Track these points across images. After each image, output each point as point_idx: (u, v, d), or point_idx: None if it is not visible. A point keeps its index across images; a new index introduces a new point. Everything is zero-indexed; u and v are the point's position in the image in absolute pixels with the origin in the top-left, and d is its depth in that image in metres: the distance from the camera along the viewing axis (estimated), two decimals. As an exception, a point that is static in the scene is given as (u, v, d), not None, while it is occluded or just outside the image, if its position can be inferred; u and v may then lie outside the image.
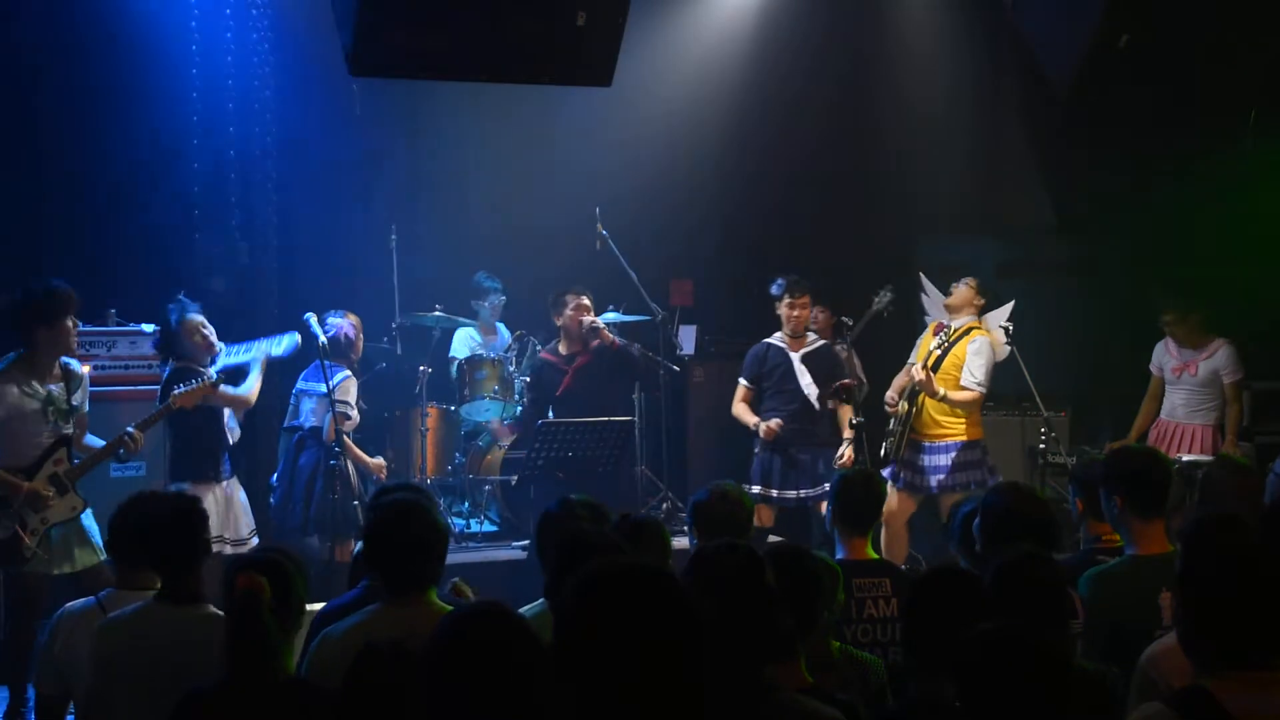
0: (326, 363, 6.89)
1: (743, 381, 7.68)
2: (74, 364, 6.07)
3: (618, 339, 7.74)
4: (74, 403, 5.96)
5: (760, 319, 7.97)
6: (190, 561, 3.81)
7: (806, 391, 7.49)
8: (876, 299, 8.45)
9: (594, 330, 7.63)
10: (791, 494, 7.43)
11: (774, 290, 7.59)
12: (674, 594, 2.14)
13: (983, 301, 7.54)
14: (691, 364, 9.19)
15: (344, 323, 7.21)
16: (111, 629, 3.78)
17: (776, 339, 7.66)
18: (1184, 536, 3.64)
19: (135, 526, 4.07)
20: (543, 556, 3.94)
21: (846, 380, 7.57)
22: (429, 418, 8.40)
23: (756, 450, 7.59)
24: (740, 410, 7.64)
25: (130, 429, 6.04)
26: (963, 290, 7.53)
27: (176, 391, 6.22)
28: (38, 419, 5.84)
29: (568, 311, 7.67)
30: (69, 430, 5.94)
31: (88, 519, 5.96)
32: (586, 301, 7.72)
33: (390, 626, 3.36)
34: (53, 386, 5.91)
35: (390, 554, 3.58)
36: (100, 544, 5.87)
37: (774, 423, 7.38)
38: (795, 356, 7.57)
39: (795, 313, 7.50)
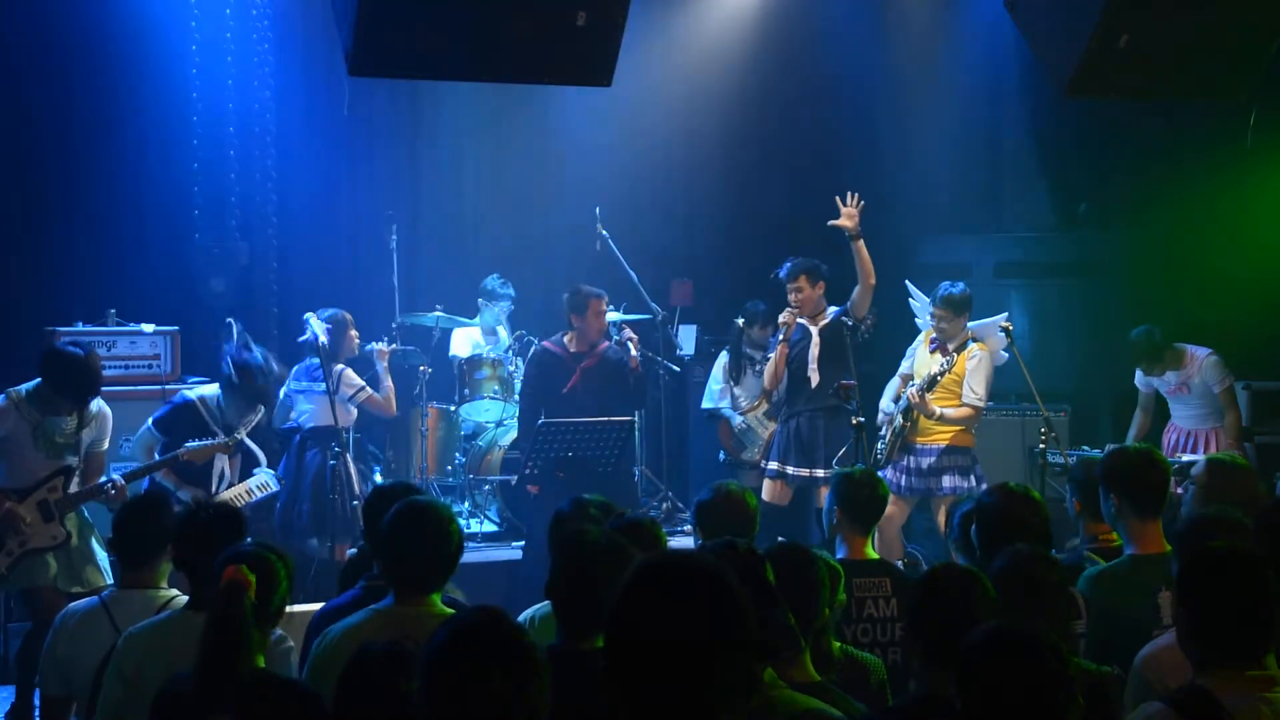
0: (323, 362, 6.93)
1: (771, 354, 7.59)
2: (94, 403, 6.00)
3: (639, 363, 7.65)
4: (82, 437, 5.92)
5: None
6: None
7: (814, 369, 7.40)
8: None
9: (624, 346, 7.57)
10: (804, 472, 7.38)
11: (781, 273, 7.49)
12: (719, 587, 2.13)
13: (961, 316, 7.46)
14: (691, 364, 9.18)
15: (321, 326, 7.17)
16: (136, 638, 3.73)
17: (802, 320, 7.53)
18: (1181, 537, 3.66)
19: (159, 529, 4.10)
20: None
21: (847, 382, 7.56)
22: (429, 418, 8.40)
23: (779, 424, 7.58)
24: (768, 369, 7.55)
25: (117, 477, 5.97)
26: (939, 324, 7.44)
27: (191, 446, 6.22)
28: (29, 445, 5.83)
29: (590, 315, 7.55)
30: (72, 462, 5.91)
31: (95, 543, 5.96)
32: (605, 308, 7.63)
33: (391, 627, 3.36)
34: (60, 419, 5.89)
35: (404, 555, 3.56)
36: (107, 568, 5.88)
37: (787, 314, 7.38)
38: (814, 330, 7.48)
39: (791, 297, 7.43)
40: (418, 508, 3.65)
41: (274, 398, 6.63)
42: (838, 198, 7.29)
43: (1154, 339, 7.77)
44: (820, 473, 7.35)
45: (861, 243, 7.24)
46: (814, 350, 7.41)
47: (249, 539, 3.94)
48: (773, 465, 7.44)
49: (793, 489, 7.40)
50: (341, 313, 7.31)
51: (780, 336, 7.45)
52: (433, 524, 3.58)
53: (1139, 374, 8.01)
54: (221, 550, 3.72)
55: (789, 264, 7.50)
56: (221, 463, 6.53)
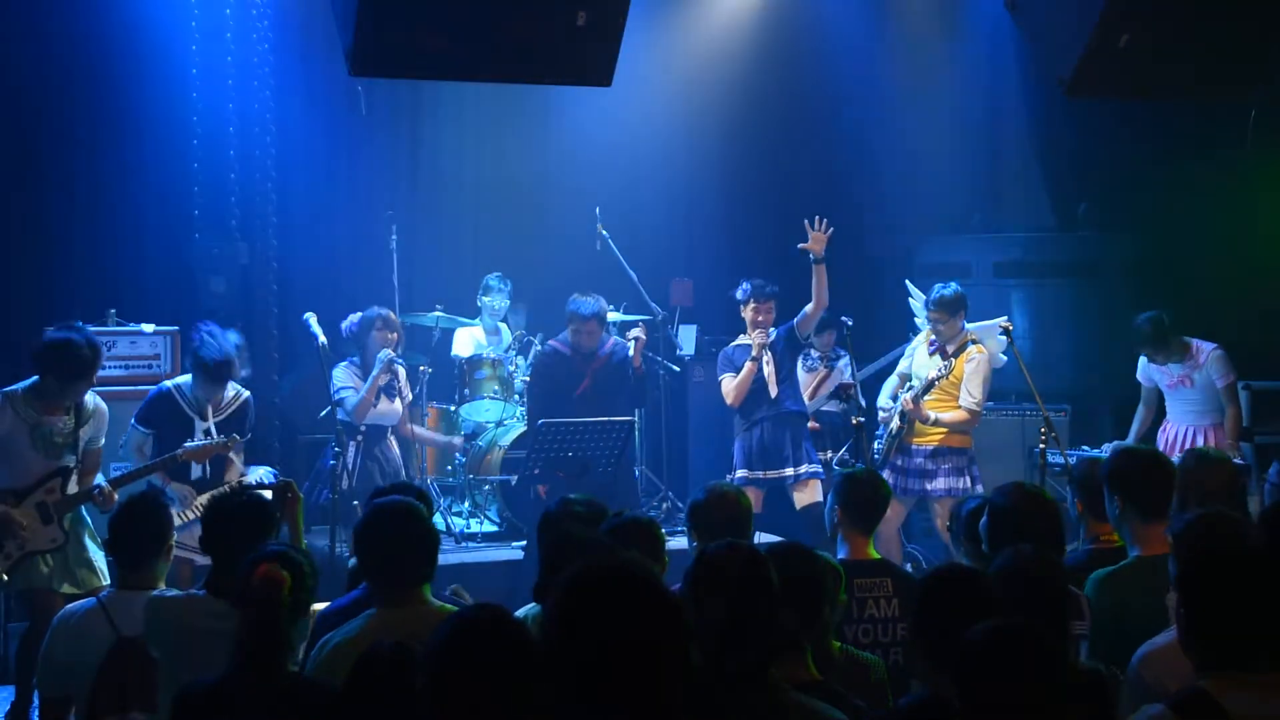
0: (322, 362, 7.08)
1: (728, 375, 7.70)
2: (90, 400, 6.01)
3: (641, 363, 7.73)
4: (80, 435, 5.92)
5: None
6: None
7: (773, 382, 7.57)
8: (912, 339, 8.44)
9: (627, 344, 7.64)
10: (774, 474, 7.54)
11: (740, 295, 7.61)
12: (655, 594, 2.15)
13: (955, 317, 7.48)
14: (691, 364, 9.19)
15: (354, 318, 7.58)
16: (161, 604, 3.85)
17: (742, 340, 7.72)
18: (1179, 537, 3.65)
19: (154, 530, 4.18)
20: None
21: (847, 382, 7.60)
22: (429, 418, 8.39)
23: (737, 435, 7.68)
24: (731, 384, 7.65)
25: (105, 484, 5.98)
26: (935, 326, 7.49)
27: (189, 445, 6.26)
28: (25, 446, 5.82)
29: (572, 331, 7.62)
30: (70, 462, 5.91)
31: (91, 543, 5.95)
32: (591, 329, 7.65)
33: (389, 631, 3.36)
34: (55, 418, 5.89)
35: (379, 558, 3.59)
36: (104, 569, 5.88)
37: (760, 334, 7.50)
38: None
39: (761, 318, 7.57)
40: (386, 508, 3.67)
41: (232, 376, 6.63)
42: (806, 222, 7.36)
43: (1161, 323, 7.77)
44: (789, 472, 7.52)
45: (823, 267, 7.38)
46: (770, 367, 7.57)
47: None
48: (740, 474, 7.53)
49: (763, 492, 7.45)
50: (373, 311, 7.53)
51: (752, 355, 7.54)
52: (402, 520, 3.60)
53: (1142, 365, 7.99)
54: (247, 538, 3.75)
55: (762, 287, 7.59)
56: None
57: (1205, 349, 7.77)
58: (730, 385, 7.63)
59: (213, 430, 6.44)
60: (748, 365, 7.53)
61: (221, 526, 3.93)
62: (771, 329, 7.62)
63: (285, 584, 3.17)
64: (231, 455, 6.54)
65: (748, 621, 2.77)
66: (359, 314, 7.62)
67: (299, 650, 3.51)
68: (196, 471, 6.45)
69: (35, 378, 5.90)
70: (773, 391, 7.55)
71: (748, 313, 7.60)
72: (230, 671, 3.16)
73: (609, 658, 2.09)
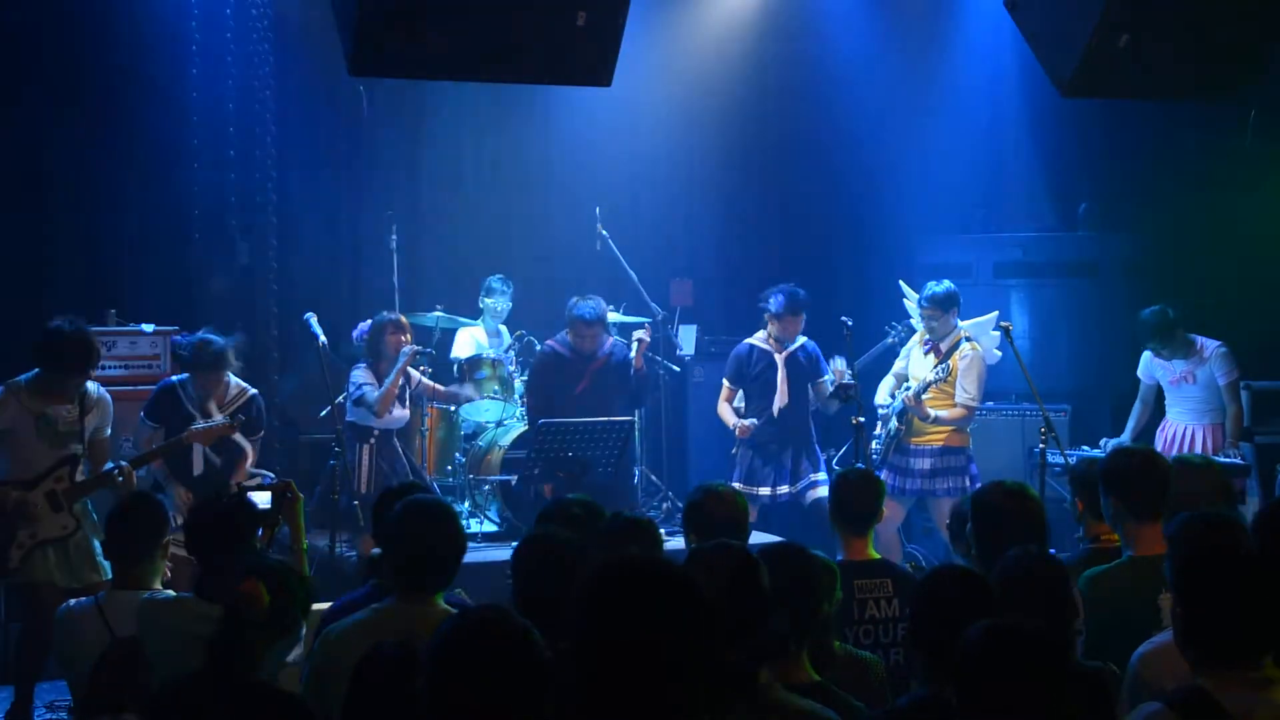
0: (322, 363, 7.09)
1: (726, 383, 7.76)
2: (93, 390, 6.05)
3: (643, 364, 7.77)
4: (85, 424, 5.95)
5: (760, 319, 7.96)
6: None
7: (788, 391, 7.59)
8: (891, 335, 8.40)
9: (631, 345, 7.70)
10: (767, 491, 7.57)
11: (775, 308, 7.57)
12: (688, 592, 2.13)
13: (948, 314, 7.48)
14: (691, 364, 9.19)
15: (364, 325, 7.67)
16: (152, 607, 3.86)
17: (760, 340, 7.72)
18: (1174, 538, 3.65)
19: (149, 529, 4.18)
20: None
21: (847, 382, 7.60)
22: (429, 418, 8.39)
23: (735, 449, 7.70)
24: (724, 410, 7.77)
25: (123, 463, 6.05)
26: (929, 323, 7.50)
27: (197, 426, 6.31)
28: (31, 436, 5.86)
29: (573, 335, 7.69)
30: (76, 451, 5.94)
31: (96, 539, 5.96)
32: (592, 333, 7.68)
33: (393, 625, 3.36)
34: (59, 408, 5.92)
35: (413, 553, 3.56)
36: (107, 565, 5.89)
37: (748, 422, 7.53)
38: (780, 358, 7.63)
39: (794, 328, 7.61)
40: (423, 506, 3.65)
41: (228, 366, 6.64)
42: None
43: (1167, 315, 7.77)
44: (784, 490, 7.60)
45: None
46: (783, 385, 7.59)
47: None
48: (738, 486, 7.48)
49: (757, 507, 7.46)
50: (383, 316, 7.58)
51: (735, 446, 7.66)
52: (439, 522, 3.58)
53: (1144, 362, 7.98)
54: (230, 542, 3.75)
55: (796, 297, 7.61)
56: (200, 454, 6.54)
57: (1210, 346, 7.79)
58: (722, 408, 7.72)
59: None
60: (739, 427, 7.56)
61: (204, 531, 3.95)
62: (803, 336, 7.70)
63: (261, 604, 3.17)
64: (247, 449, 6.58)
65: (738, 622, 2.76)
66: (368, 321, 7.64)
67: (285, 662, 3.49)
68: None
69: (37, 370, 5.93)
70: (779, 402, 7.56)
71: (782, 323, 7.57)
72: (197, 672, 3.16)
73: (639, 655, 2.07)
